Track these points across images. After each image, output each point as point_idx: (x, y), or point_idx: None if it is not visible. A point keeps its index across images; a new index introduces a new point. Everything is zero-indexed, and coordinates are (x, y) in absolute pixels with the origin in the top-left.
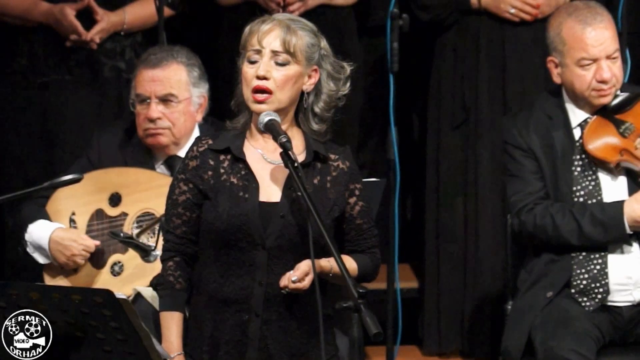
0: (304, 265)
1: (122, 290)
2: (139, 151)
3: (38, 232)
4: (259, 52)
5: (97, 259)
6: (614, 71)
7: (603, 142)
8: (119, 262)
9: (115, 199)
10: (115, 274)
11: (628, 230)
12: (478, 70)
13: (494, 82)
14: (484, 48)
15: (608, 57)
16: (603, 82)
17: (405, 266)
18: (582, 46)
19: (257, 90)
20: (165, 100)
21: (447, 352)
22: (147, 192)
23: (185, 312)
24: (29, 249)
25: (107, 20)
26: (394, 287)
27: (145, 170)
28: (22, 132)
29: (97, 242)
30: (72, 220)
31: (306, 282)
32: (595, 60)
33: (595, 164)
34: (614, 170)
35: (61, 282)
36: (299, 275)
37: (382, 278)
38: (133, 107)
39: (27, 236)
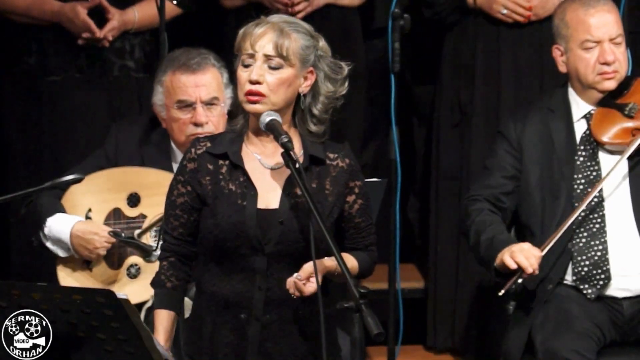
0: (308, 266)
1: (138, 293)
2: (157, 151)
3: (57, 226)
4: (252, 56)
5: (113, 258)
6: (617, 55)
7: (613, 129)
8: (136, 265)
9: (134, 200)
10: (131, 276)
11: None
12: (474, 70)
13: (489, 83)
14: (480, 48)
15: (611, 40)
16: (606, 63)
17: (407, 266)
18: (585, 28)
19: (250, 94)
20: (209, 103)
21: (443, 350)
22: None
23: (177, 311)
24: (48, 244)
25: (118, 19)
26: (395, 287)
27: (166, 173)
28: (31, 131)
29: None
30: (88, 217)
31: (310, 288)
32: (598, 43)
33: (613, 152)
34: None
35: (75, 279)
36: (303, 275)
37: (383, 278)
38: (172, 117)
39: (46, 230)
